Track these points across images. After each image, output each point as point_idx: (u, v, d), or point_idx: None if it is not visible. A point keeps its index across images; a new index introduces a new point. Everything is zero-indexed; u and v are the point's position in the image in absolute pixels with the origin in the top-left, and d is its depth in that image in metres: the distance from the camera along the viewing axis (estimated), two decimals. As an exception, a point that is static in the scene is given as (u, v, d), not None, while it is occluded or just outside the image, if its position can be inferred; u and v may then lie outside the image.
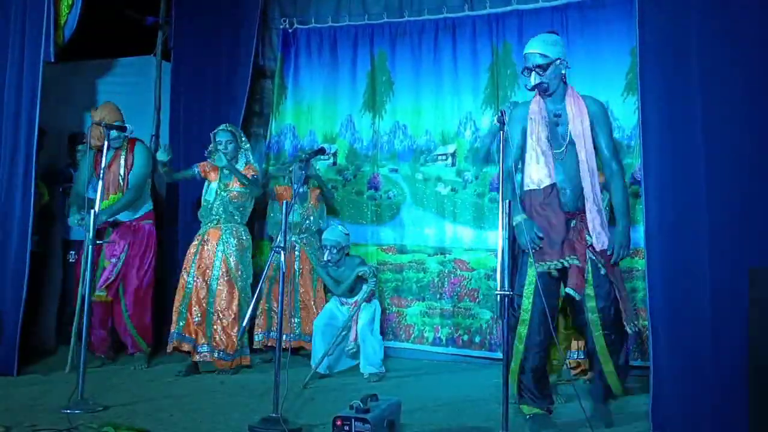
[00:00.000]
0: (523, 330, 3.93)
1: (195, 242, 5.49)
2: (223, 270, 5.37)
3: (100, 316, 5.54)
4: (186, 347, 5.29)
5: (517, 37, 5.86)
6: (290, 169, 5.94)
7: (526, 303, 3.92)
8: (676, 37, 3.68)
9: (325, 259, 5.47)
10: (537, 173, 3.98)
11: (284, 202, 4.10)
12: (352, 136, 6.45)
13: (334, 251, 5.43)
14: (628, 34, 5.32)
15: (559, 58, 3.98)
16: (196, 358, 5.28)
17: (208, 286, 5.36)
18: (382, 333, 5.67)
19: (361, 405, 3.55)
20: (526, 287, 3.93)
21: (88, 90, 6.49)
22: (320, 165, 6.38)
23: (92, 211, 4.46)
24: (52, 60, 5.18)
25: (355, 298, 5.45)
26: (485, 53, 6.01)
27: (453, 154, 6.10)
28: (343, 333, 5.32)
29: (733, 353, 3.43)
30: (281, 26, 6.66)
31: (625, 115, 5.54)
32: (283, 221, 3.98)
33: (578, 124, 3.97)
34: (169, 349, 5.29)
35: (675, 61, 3.68)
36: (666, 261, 3.64)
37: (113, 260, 5.50)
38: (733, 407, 3.41)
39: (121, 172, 5.54)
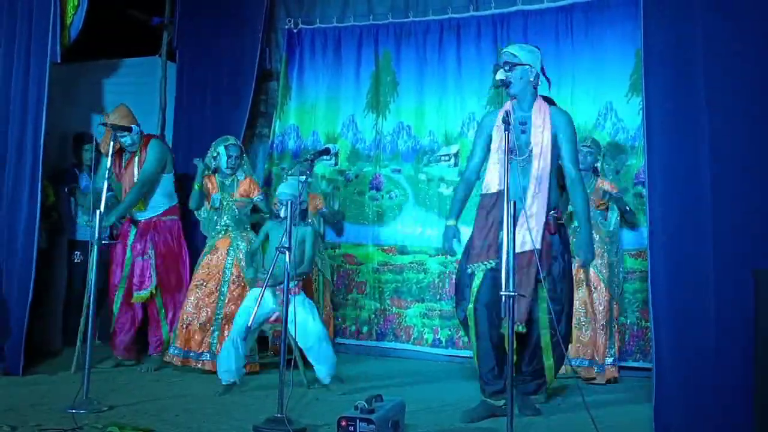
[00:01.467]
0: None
1: (202, 253, 5.46)
2: (235, 274, 5.35)
3: (132, 316, 5.55)
4: (176, 360, 5.28)
5: (522, 37, 5.87)
6: (292, 170, 5.94)
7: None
8: (681, 37, 3.68)
9: (279, 213, 4.78)
10: (489, 178, 4.20)
11: (289, 202, 4.09)
12: (354, 136, 6.47)
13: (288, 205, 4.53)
14: (633, 35, 5.32)
15: (529, 64, 4.13)
16: (198, 365, 5.26)
17: (219, 291, 5.34)
18: (383, 334, 5.66)
19: (366, 405, 3.55)
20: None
21: (94, 90, 6.49)
22: (321, 166, 6.38)
23: (98, 211, 4.47)
24: (58, 61, 5.18)
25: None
26: (490, 54, 6.01)
27: (456, 155, 6.11)
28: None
29: (737, 355, 3.43)
30: (286, 26, 6.68)
31: (629, 115, 5.55)
32: (288, 222, 3.98)
33: (539, 133, 4.10)
34: (168, 359, 5.31)
35: (680, 61, 3.68)
36: (670, 262, 3.63)
37: (139, 259, 5.50)
38: (738, 410, 3.41)
39: (136, 171, 5.55)
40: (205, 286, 5.32)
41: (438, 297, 6.07)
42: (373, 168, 6.39)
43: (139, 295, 5.48)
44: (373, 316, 6.27)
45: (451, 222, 4.30)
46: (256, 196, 5.51)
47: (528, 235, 3.95)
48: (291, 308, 4.15)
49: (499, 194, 4.08)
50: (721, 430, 3.47)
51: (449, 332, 5.97)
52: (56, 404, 4.21)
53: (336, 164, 6.46)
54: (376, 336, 6.26)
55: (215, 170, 5.47)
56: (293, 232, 4.07)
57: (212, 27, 6.57)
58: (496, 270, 4.03)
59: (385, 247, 6.31)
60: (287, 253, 3.95)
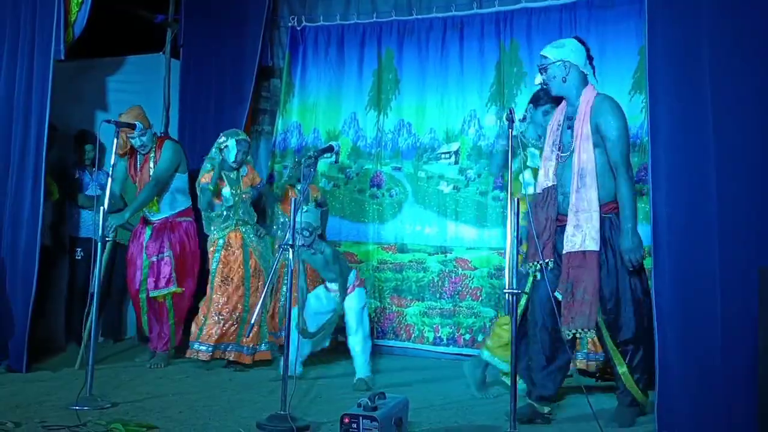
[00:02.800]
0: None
1: (213, 251, 5.44)
2: (253, 267, 5.43)
3: (156, 312, 5.58)
4: (203, 356, 5.30)
5: (525, 35, 5.89)
6: (297, 167, 5.95)
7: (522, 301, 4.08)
8: (687, 35, 3.67)
9: (299, 243, 4.84)
10: (540, 177, 4.07)
11: (292, 199, 4.10)
12: (356, 134, 6.47)
13: (306, 233, 4.90)
14: (637, 33, 5.33)
15: (561, 60, 3.98)
16: (228, 357, 5.35)
17: (243, 285, 5.39)
18: (383, 332, 5.65)
19: (369, 403, 3.55)
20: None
21: (98, 88, 6.50)
22: (322, 164, 6.39)
23: (101, 208, 4.48)
24: (62, 58, 5.19)
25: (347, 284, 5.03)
26: (492, 51, 6.02)
27: (456, 152, 6.11)
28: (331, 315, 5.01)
29: (742, 353, 3.43)
30: (290, 24, 6.68)
31: (632, 113, 5.52)
32: (292, 218, 3.99)
33: (579, 126, 3.94)
34: (192, 355, 5.33)
35: (685, 60, 3.67)
36: (675, 260, 3.62)
37: (154, 259, 5.50)
38: (741, 407, 3.41)
39: (150, 172, 5.55)
40: (232, 282, 5.36)
41: (438, 295, 6.07)
42: (373, 166, 6.40)
43: (160, 293, 5.50)
44: (373, 314, 6.27)
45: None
46: (259, 183, 5.60)
47: (578, 235, 3.83)
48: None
49: (548, 191, 3.99)
50: (724, 429, 3.47)
51: (450, 330, 5.97)
52: (60, 401, 4.22)
53: (336, 162, 6.45)
54: (376, 335, 6.24)
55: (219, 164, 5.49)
56: (318, 259, 4.94)
57: (216, 24, 6.58)
58: (552, 270, 3.93)
59: (385, 246, 6.32)
60: (290, 250, 3.97)
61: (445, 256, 6.06)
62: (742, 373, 3.42)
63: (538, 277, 3.95)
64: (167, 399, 4.42)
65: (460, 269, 6.01)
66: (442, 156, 6.17)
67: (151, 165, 5.55)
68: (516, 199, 3.60)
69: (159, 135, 5.80)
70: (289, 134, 6.66)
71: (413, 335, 6.13)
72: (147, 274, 5.50)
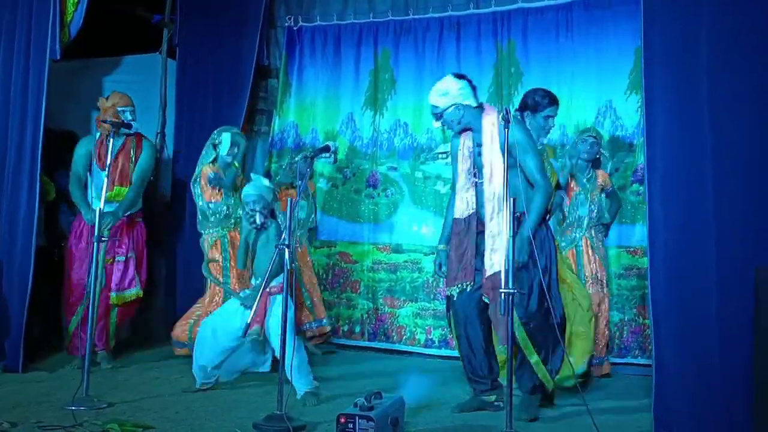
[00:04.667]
0: None
1: (217, 245, 5.41)
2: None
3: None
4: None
5: (522, 35, 5.90)
6: (295, 166, 5.95)
7: None
8: (685, 31, 3.67)
9: (258, 222, 4.53)
10: (458, 203, 4.26)
11: (288, 199, 4.09)
12: (353, 134, 6.46)
13: (258, 208, 4.51)
14: (633, 33, 5.32)
15: (452, 105, 4.14)
16: None
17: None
18: (375, 334, 5.62)
19: (365, 402, 3.56)
20: None
21: (94, 88, 6.50)
22: (320, 164, 6.38)
23: (98, 208, 4.47)
24: (58, 58, 5.18)
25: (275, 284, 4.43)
26: (490, 52, 6.02)
27: (454, 153, 6.10)
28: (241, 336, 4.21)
29: (738, 352, 3.44)
30: (286, 24, 6.67)
31: (628, 113, 5.57)
32: (289, 218, 3.98)
33: (487, 153, 4.11)
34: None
35: (681, 59, 3.67)
36: (671, 260, 3.63)
37: (121, 258, 5.47)
38: (739, 405, 3.42)
39: (131, 164, 5.53)
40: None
41: (432, 296, 6.06)
42: (370, 166, 6.39)
43: (122, 296, 5.46)
44: (366, 315, 6.27)
45: (441, 246, 4.44)
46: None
47: (495, 258, 4.01)
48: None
49: (469, 219, 4.18)
50: (721, 428, 3.48)
51: (442, 332, 5.95)
52: (56, 401, 4.22)
53: (335, 162, 6.45)
54: (368, 336, 6.26)
55: (214, 160, 5.50)
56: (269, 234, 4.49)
57: (213, 24, 6.57)
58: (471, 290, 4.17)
59: (381, 246, 6.30)
60: (286, 250, 3.95)
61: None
62: (740, 371, 3.43)
63: (455, 297, 4.25)
64: (164, 399, 4.41)
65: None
66: (440, 156, 6.16)
67: (132, 158, 5.52)
68: (512, 200, 3.61)
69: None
70: (286, 134, 6.65)
71: (405, 336, 6.11)
72: (104, 274, 5.34)
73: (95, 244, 4.43)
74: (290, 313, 4.05)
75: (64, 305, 5.53)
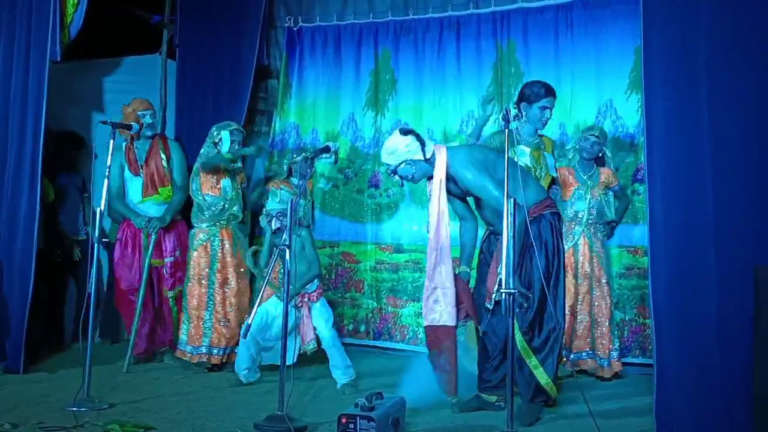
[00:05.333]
0: None
1: (206, 247, 5.38)
2: (243, 267, 5.43)
3: (156, 311, 5.63)
4: (215, 360, 5.30)
5: (522, 35, 5.89)
6: (295, 166, 5.94)
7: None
8: (684, 31, 3.67)
9: (275, 226, 4.79)
10: (433, 243, 4.32)
11: (289, 199, 4.09)
12: (354, 134, 6.46)
13: (284, 219, 4.66)
14: (633, 32, 5.31)
15: (401, 163, 4.20)
16: (214, 360, 5.31)
17: (238, 286, 5.42)
18: (378, 333, 5.63)
19: (366, 403, 3.56)
20: None
21: (94, 89, 6.50)
22: (321, 164, 6.39)
23: (98, 209, 4.48)
24: (58, 59, 5.19)
25: (308, 291, 4.87)
26: (489, 51, 6.01)
27: (454, 152, 6.10)
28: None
29: (739, 351, 3.44)
30: (286, 24, 6.67)
31: (628, 113, 5.56)
32: (289, 219, 3.98)
33: (434, 205, 4.21)
34: (195, 360, 5.27)
35: (680, 58, 3.68)
36: (671, 259, 3.63)
37: (170, 258, 5.58)
38: (740, 405, 3.42)
39: (164, 165, 5.59)
40: (230, 284, 5.38)
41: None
42: (372, 166, 6.39)
43: (175, 292, 5.57)
44: (370, 315, 6.27)
45: (463, 268, 4.53)
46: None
47: (437, 308, 4.25)
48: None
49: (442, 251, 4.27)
50: (721, 427, 3.48)
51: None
52: (57, 402, 4.23)
53: (335, 162, 6.44)
54: (372, 335, 6.26)
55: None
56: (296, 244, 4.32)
57: (213, 25, 6.57)
58: None
59: (383, 246, 6.31)
60: (287, 251, 3.95)
61: (442, 256, 6.05)
62: (740, 371, 3.43)
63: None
64: (165, 400, 4.42)
65: (456, 269, 5.98)
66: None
67: (163, 159, 5.58)
68: (512, 200, 3.61)
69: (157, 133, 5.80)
70: (287, 135, 6.65)
71: (408, 336, 6.12)
72: (161, 274, 5.55)
73: (95, 244, 4.43)
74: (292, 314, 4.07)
75: (122, 317, 5.76)
